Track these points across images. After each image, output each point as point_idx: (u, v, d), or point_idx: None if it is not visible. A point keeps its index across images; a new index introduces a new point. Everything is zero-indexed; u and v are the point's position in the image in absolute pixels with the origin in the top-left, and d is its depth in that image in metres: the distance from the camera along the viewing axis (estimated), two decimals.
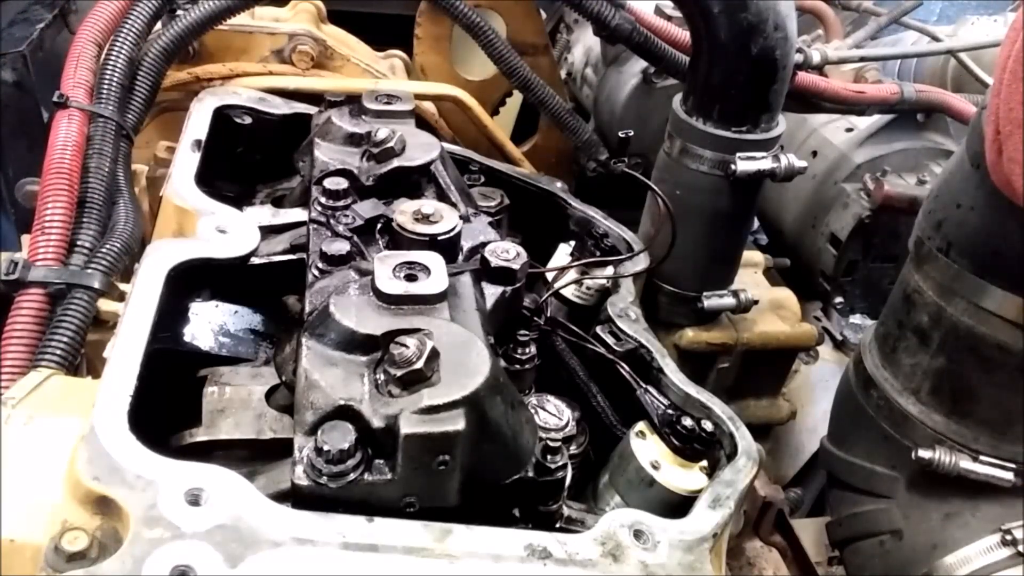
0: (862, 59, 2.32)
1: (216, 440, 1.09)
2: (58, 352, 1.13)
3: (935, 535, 1.45)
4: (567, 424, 1.12)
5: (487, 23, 2.08)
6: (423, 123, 1.99)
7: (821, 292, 2.42)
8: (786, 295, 2.09)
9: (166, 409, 1.07)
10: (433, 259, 1.09)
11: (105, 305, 1.22)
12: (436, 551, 0.86)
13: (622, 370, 1.28)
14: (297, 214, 1.40)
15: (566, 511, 1.10)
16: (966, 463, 1.39)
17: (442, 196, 1.39)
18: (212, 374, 1.17)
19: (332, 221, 1.26)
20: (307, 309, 1.11)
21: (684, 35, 2.01)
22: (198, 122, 1.56)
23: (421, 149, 1.41)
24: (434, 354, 0.93)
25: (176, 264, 1.15)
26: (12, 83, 1.99)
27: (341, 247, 1.19)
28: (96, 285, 1.22)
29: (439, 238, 1.19)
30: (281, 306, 1.31)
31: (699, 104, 1.68)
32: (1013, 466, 1.38)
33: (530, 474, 1.03)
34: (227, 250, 1.23)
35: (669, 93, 1.98)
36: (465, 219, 1.29)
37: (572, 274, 1.52)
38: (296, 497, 0.89)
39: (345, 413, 0.92)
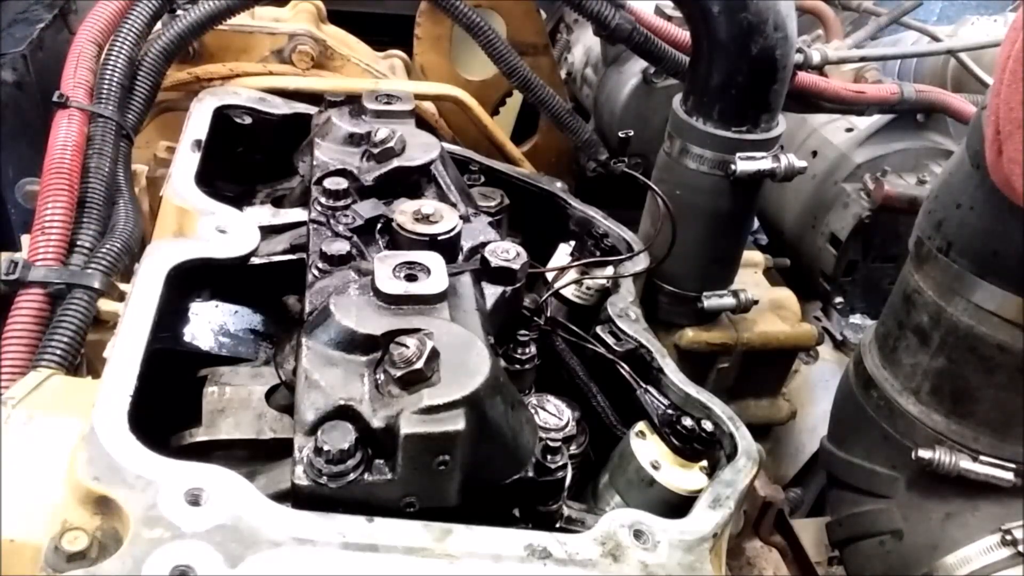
0: (862, 59, 2.32)
1: (216, 440, 1.09)
2: (58, 352, 1.13)
3: (935, 535, 1.45)
4: (567, 424, 1.11)
5: (487, 23, 2.08)
6: (423, 123, 1.99)
7: (821, 292, 2.42)
8: (786, 295, 2.09)
9: (166, 409, 1.07)
10: (433, 259, 1.09)
11: (105, 305, 1.22)
12: (436, 551, 0.86)
13: (622, 370, 1.28)
14: (297, 214, 1.40)
15: (566, 511, 1.10)
16: (966, 463, 1.39)
17: (442, 196, 1.39)
18: (212, 374, 1.17)
19: (332, 221, 1.26)
20: (307, 309, 1.11)
21: (684, 35, 2.01)
22: (198, 122, 1.56)
23: (421, 149, 1.41)
24: (434, 354, 0.93)
25: (176, 264, 1.15)
26: (12, 83, 1.99)
27: (341, 247, 1.19)
28: (96, 285, 1.22)
29: (439, 238, 1.19)
30: (281, 306, 1.31)
31: (699, 104, 1.68)
32: (1013, 466, 1.38)
33: (530, 474, 1.03)
34: (227, 250, 1.23)
35: (669, 93, 1.98)
36: (465, 219, 1.29)
37: (572, 274, 1.53)
38: (296, 497, 0.89)
39: (345, 413, 0.92)
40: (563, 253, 1.61)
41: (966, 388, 1.39)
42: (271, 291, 1.31)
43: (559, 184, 1.73)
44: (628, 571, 0.91)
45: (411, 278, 1.05)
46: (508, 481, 1.02)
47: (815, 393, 2.29)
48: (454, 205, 1.35)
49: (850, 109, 2.20)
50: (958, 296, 1.35)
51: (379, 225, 1.28)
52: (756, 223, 2.62)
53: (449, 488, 0.94)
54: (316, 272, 1.18)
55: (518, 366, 1.26)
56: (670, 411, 1.22)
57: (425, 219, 1.20)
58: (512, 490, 1.02)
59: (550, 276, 1.52)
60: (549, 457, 1.04)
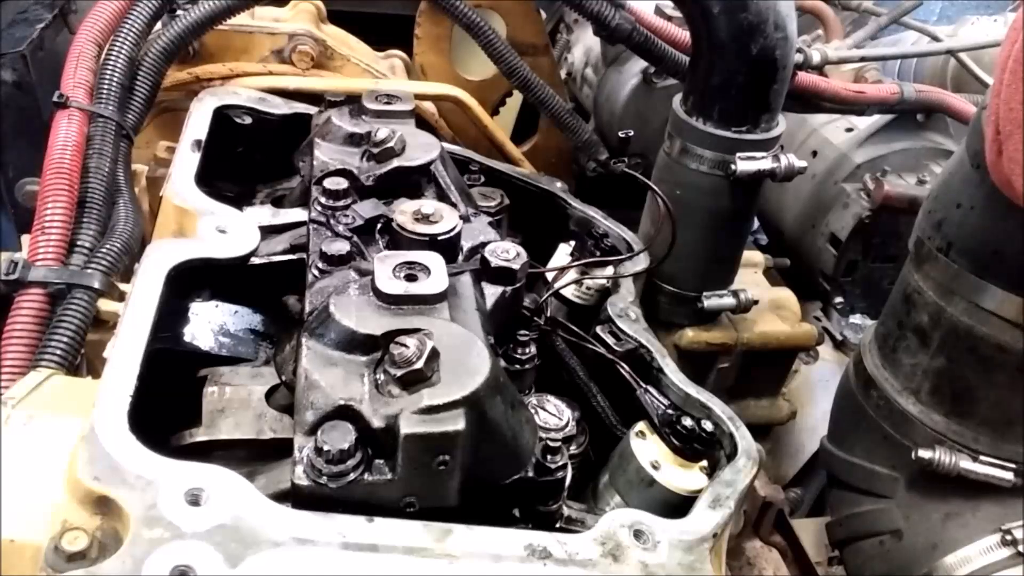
0: (862, 59, 2.32)
1: (216, 440, 1.09)
2: (58, 352, 1.13)
3: (935, 535, 1.45)
4: (567, 424, 1.11)
5: (487, 23, 2.08)
6: (423, 123, 1.99)
7: (821, 292, 2.42)
8: (786, 295, 2.09)
9: (166, 409, 1.07)
10: (433, 259, 1.09)
11: (105, 305, 1.22)
12: (436, 551, 0.86)
13: (622, 370, 1.28)
14: (297, 214, 1.40)
15: (566, 511, 1.10)
16: (966, 463, 1.39)
17: (442, 196, 1.39)
18: (212, 374, 1.17)
19: (332, 221, 1.26)
20: (307, 309, 1.11)
21: (684, 35, 2.01)
22: (198, 122, 1.56)
23: (421, 149, 1.41)
24: (434, 354, 0.93)
25: (176, 264, 1.15)
26: (12, 83, 1.99)
27: (341, 247, 1.19)
28: (96, 285, 1.22)
29: (439, 238, 1.19)
30: (281, 306, 1.31)
31: (699, 104, 1.68)
32: (1013, 466, 1.38)
33: (530, 474, 1.03)
34: (227, 250, 1.23)
35: (669, 93, 1.98)
36: (465, 219, 1.29)
37: (572, 274, 1.52)
38: (296, 497, 0.89)
39: (345, 413, 0.92)
40: (563, 253, 1.61)
41: (966, 388, 1.39)
42: (271, 291, 1.31)
43: (559, 184, 1.73)
44: (628, 571, 0.91)
45: (411, 278, 1.05)
46: (508, 481, 1.02)
47: (815, 393, 2.29)
48: (454, 205, 1.35)
49: (850, 109, 2.20)
50: (958, 296, 1.35)
51: (379, 225, 1.28)
52: (756, 223, 2.62)
53: (449, 488, 0.94)
54: (316, 272, 1.18)
55: (518, 366, 1.26)
56: (670, 411, 1.22)
57: (425, 219, 1.20)
58: (512, 490, 1.02)
59: (550, 276, 1.52)
60: (549, 457, 1.04)
